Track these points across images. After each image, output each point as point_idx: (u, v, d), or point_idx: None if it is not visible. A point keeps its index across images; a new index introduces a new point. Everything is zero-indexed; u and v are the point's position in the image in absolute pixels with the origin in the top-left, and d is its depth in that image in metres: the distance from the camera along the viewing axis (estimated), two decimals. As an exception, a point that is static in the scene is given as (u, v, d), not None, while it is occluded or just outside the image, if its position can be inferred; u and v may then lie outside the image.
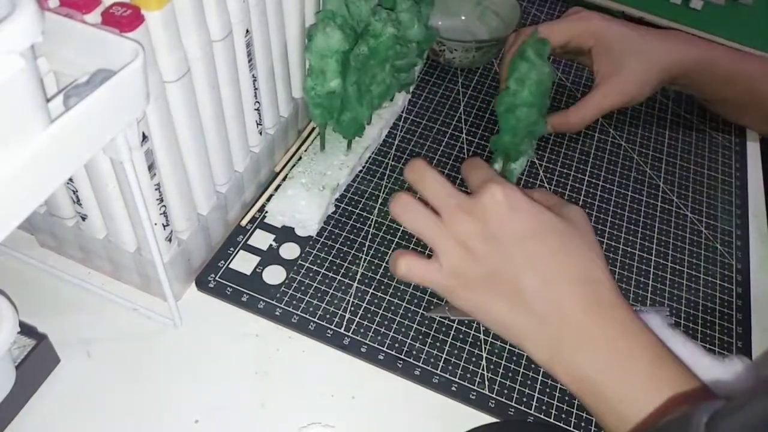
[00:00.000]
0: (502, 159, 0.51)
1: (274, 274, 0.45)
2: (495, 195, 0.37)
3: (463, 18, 0.67)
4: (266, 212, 0.48)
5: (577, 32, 0.55)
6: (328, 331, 0.43)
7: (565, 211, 0.39)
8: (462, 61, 0.62)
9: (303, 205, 0.47)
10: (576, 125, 0.55)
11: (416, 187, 0.39)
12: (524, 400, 0.41)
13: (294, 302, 0.44)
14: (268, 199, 0.49)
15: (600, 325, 0.35)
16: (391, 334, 0.43)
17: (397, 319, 0.44)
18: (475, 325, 0.44)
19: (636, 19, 0.69)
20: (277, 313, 0.44)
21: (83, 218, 0.41)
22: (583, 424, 0.40)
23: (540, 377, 0.42)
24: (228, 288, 0.44)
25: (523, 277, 0.36)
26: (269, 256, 0.46)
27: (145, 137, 0.35)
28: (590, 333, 0.35)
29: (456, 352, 0.43)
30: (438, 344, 0.43)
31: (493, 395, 0.41)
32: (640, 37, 0.55)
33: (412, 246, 0.48)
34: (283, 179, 0.49)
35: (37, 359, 0.38)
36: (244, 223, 0.48)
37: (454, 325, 0.44)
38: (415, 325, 0.44)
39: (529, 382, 0.42)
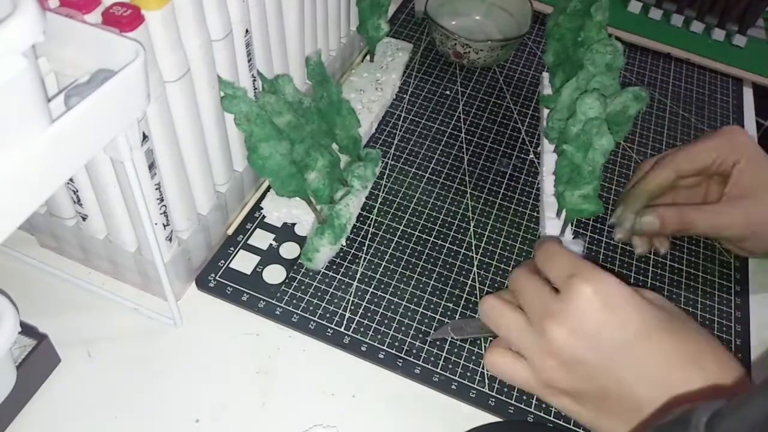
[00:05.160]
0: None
1: (274, 274, 0.45)
2: (584, 293, 0.32)
3: (477, 18, 0.67)
4: (262, 209, 0.48)
5: (724, 148, 0.46)
6: (329, 330, 0.43)
7: (649, 297, 0.34)
8: (486, 60, 0.63)
9: (296, 202, 0.47)
10: (667, 229, 0.47)
11: (510, 287, 0.37)
12: (524, 398, 0.41)
13: (294, 301, 0.44)
14: (259, 201, 0.49)
15: None
16: (391, 332, 0.43)
17: (397, 317, 0.44)
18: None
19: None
20: (278, 313, 0.44)
21: (84, 218, 0.41)
22: (582, 422, 0.41)
23: (540, 376, 0.42)
24: (228, 287, 0.44)
25: (638, 392, 0.32)
26: (269, 256, 0.46)
27: (145, 137, 0.35)
28: None
29: (456, 350, 0.43)
30: (438, 343, 0.43)
31: (493, 393, 0.41)
32: None
33: (411, 245, 0.48)
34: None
35: (38, 359, 0.38)
36: (231, 232, 0.48)
37: (454, 323, 0.44)
38: (415, 324, 0.44)
39: (528, 380, 0.42)
